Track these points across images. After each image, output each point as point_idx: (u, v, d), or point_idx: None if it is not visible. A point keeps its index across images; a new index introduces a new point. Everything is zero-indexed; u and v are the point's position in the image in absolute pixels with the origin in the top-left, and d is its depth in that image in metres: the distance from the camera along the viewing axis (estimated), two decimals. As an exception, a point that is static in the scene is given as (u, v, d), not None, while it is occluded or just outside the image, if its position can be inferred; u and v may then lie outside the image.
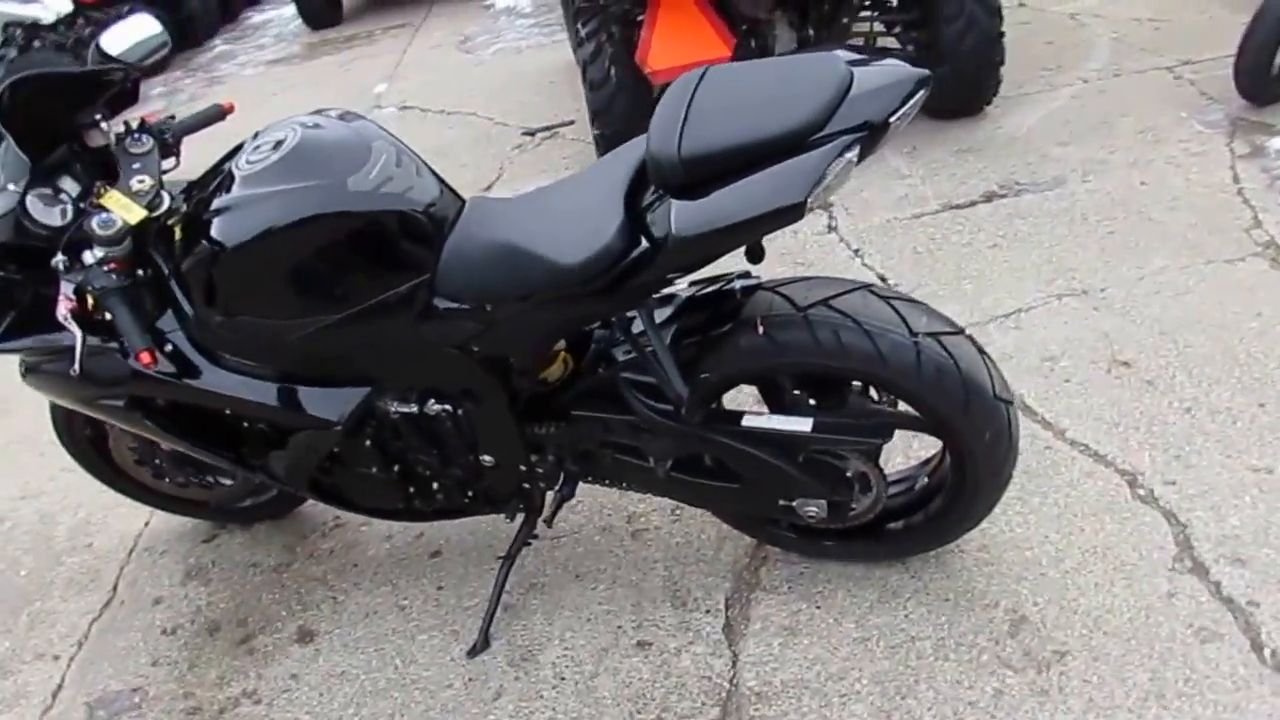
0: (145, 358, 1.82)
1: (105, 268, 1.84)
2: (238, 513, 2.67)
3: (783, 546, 2.19)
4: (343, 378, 1.98)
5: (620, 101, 3.98)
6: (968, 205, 3.52)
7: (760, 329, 1.81)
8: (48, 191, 1.94)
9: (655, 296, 1.88)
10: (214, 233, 1.79)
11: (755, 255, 1.91)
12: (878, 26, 4.19)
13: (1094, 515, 2.17)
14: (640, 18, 3.93)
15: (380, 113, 6.36)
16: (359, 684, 2.14)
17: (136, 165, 1.97)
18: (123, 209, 1.88)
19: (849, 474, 1.93)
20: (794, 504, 1.97)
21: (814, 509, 1.96)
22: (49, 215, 1.91)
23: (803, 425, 1.87)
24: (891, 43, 4.23)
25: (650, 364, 1.84)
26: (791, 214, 1.55)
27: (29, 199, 1.90)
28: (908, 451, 2.36)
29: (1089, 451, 2.34)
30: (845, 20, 3.99)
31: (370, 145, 1.85)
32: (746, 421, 1.90)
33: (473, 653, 2.14)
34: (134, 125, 2.05)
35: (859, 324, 1.77)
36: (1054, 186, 3.51)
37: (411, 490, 2.13)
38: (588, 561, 2.32)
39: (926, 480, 2.07)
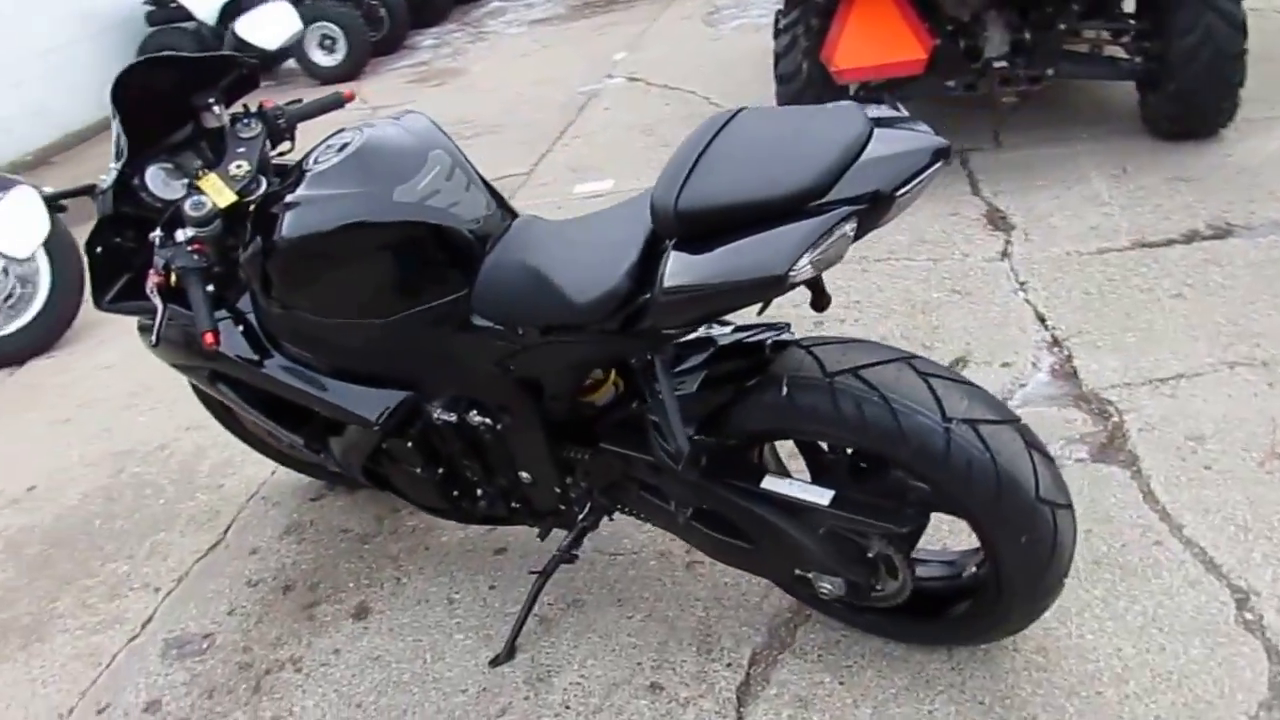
0: (209, 338, 1.91)
1: (190, 248, 1.94)
2: (345, 477, 2.79)
3: (819, 610, 2.06)
4: (387, 379, 2.01)
5: (808, 99, 3.81)
6: (1162, 244, 3.14)
7: (784, 389, 1.69)
8: (169, 167, 2.08)
9: (685, 339, 1.80)
10: (271, 226, 1.87)
11: (819, 303, 1.79)
12: (1104, 34, 3.79)
13: (1183, 634, 1.90)
14: (846, 11, 3.73)
15: (610, 83, 6.45)
16: (388, 672, 2.20)
17: (240, 150, 2.07)
18: (215, 192, 1.97)
19: (871, 555, 1.77)
20: (809, 575, 1.84)
21: (829, 585, 1.82)
22: (165, 190, 2.05)
23: (821, 498, 1.74)
24: (1119, 53, 3.82)
25: (657, 409, 1.76)
26: (772, 286, 1.44)
27: (150, 172, 2.05)
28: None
29: (1202, 556, 2.04)
30: (1063, 26, 3.62)
31: (426, 155, 1.86)
32: (766, 483, 1.78)
33: (495, 662, 2.15)
34: (250, 109, 2.15)
35: (886, 399, 1.61)
36: (1269, 232, 3.06)
37: (456, 494, 2.15)
38: (634, 587, 2.27)
39: (975, 570, 1.88)
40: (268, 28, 2.27)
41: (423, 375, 1.99)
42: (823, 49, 3.69)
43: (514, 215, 1.94)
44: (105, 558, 2.78)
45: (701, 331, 1.84)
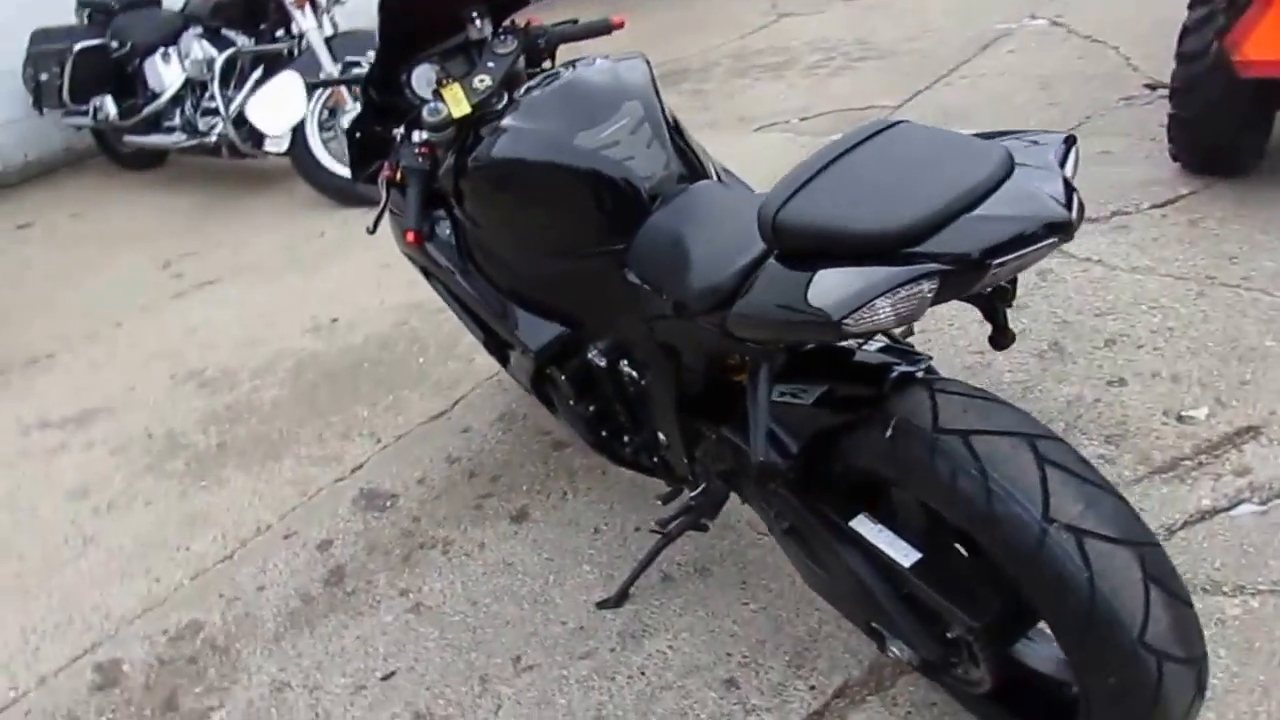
0: (409, 236, 2.02)
1: (417, 149, 2.04)
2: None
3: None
4: (552, 312, 2.03)
5: (1210, 84, 3.23)
6: None
7: (889, 431, 1.49)
8: (437, 69, 2.18)
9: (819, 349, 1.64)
10: (471, 144, 1.93)
11: (999, 340, 1.58)
12: None
13: None
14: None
15: (1029, 23, 5.92)
16: (512, 581, 2.27)
17: (491, 64, 2.10)
18: (453, 101, 2.03)
19: (949, 635, 1.55)
20: (884, 632, 1.65)
21: (899, 650, 1.62)
22: (425, 91, 2.15)
23: (905, 557, 1.54)
24: None
25: (750, 414, 1.62)
26: (826, 331, 1.27)
27: (418, 70, 2.15)
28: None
29: None
30: None
31: (621, 104, 1.83)
32: (856, 522, 1.60)
33: (602, 605, 2.15)
34: (512, 25, 2.19)
35: (984, 474, 1.37)
36: None
37: (605, 434, 2.14)
38: (763, 575, 2.16)
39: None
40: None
41: (582, 316, 1.99)
42: (1230, 31, 3.10)
43: (702, 177, 1.85)
44: (355, 399, 3.08)
45: (850, 343, 1.66)
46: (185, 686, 2.12)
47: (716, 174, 1.94)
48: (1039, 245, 1.22)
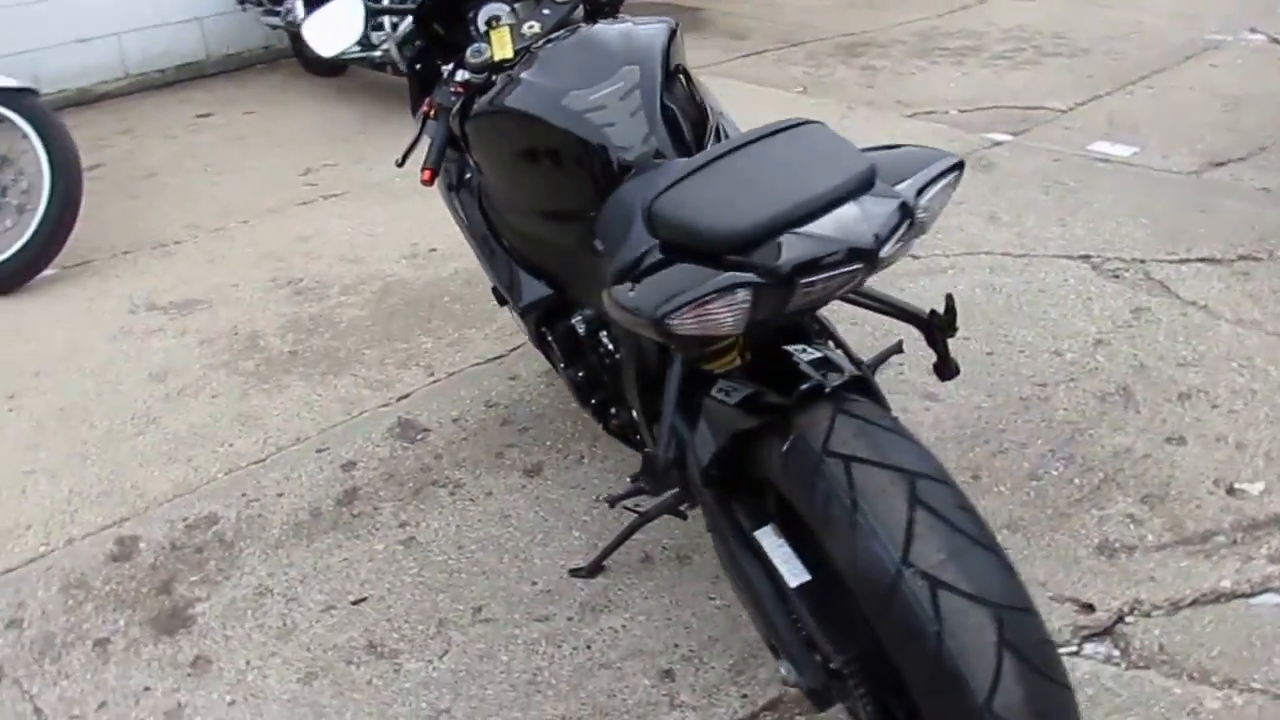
0: (425, 174, 2.07)
1: (453, 88, 2.08)
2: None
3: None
4: (540, 272, 2.05)
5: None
6: None
7: (785, 445, 1.45)
8: (505, 9, 2.23)
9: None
10: (483, 88, 1.96)
11: (941, 370, 1.55)
12: None
13: None
14: None
15: (1248, 36, 5.52)
16: (503, 533, 2.32)
17: (546, 12, 2.13)
18: (498, 45, 2.07)
19: (832, 665, 1.50)
20: (776, 649, 1.61)
21: (784, 672, 1.58)
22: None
23: (794, 577, 1.50)
24: None
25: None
26: (652, 328, 1.28)
27: (486, 8, 2.21)
28: None
29: None
30: None
31: (618, 68, 1.81)
32: (761, 533, 1.57)
33: (574, 573, 2.17)
34: None
35: (854, 505, 1.32)
36: None
37: (594, 401, 2.15)
38: (739, 573, 2.14)
39: None
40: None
41: (565, 280, 2.00)
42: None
43: (686, 154, 1.81)
44: (425, 330, 3.18)
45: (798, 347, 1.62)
46: (184, 574, 2.26)
47: None
48: (844, 270, 1.23)
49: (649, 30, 1.90)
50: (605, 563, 2.17)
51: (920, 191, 1.32)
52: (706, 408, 1.61)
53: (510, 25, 2.06)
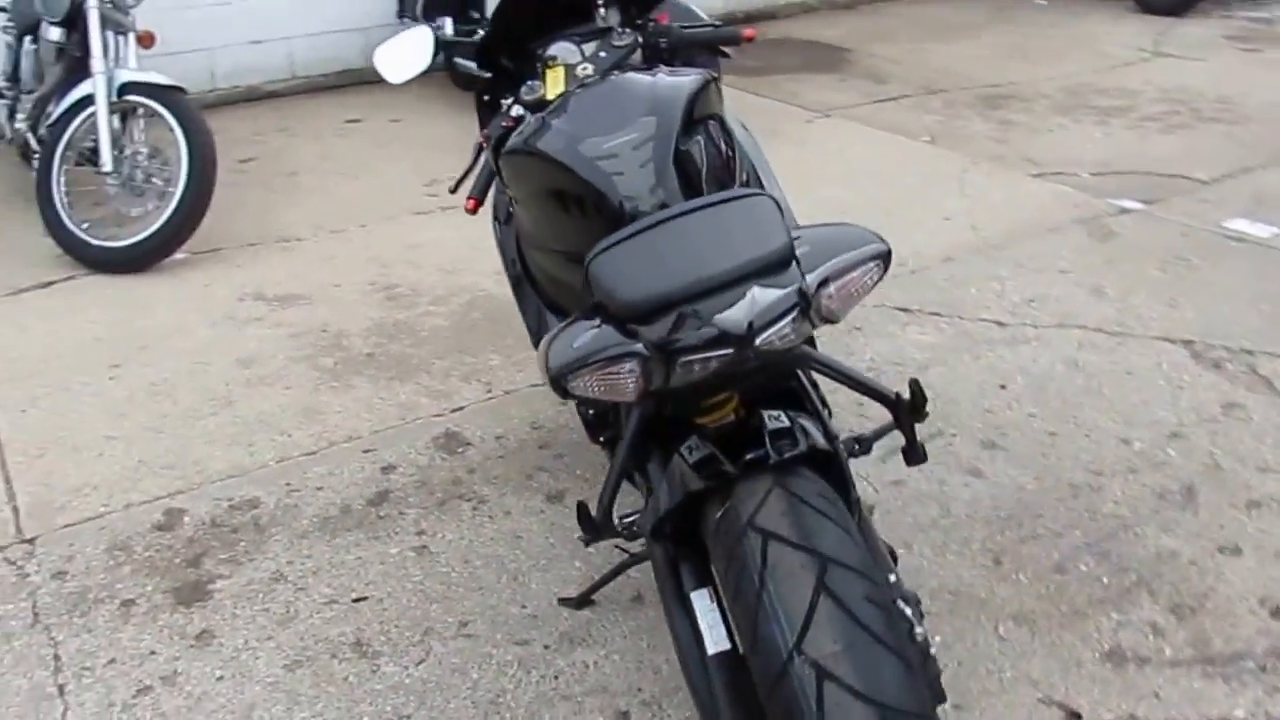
0: (469, 204, 2.16)
1: (504, 122, 2.17)
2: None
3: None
4: (559, 310, 2.10)
5: None
6: None
7: (719, 513, 1.46)
8: (569, 47, 2.31)
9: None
10: (519, 126, 2.03)
11: (909, 455, 1.55)
12: None
13: None
14: None
15: None
16: (509, 553, 2.37)
17: (602, 54, 2.19)
18: (552, 83, 2.15)
19: None
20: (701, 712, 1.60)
21: None
22: None
23: (713, 644, 1.49)
24: None
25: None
26: (554, 387, 1.30)
27: (556, 45, 2.29)
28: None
29: None
30: None
31: (638, 119, 1.83)
32: (695, 595, 1.57)
33: (563, 601, 2.21)
34: (634, 20, 2.25)
35: (760, 585, 1.32)
36: None
37: (602, 440, 2.18)
38: (723, 625, 2.13)
39: None
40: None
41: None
42: None
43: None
44: (496, 347, 3.28)
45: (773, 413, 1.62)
46: (215, 551, 2.41)
47: None
48: (717, 354, 1.20)
49: (677, 81, 1.91)
50: (596, 597, 2.20)
51: (830, 279, 1.30)
52: (673, 463, 1.63)
53: (566, 65, 2.12)
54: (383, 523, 2.50)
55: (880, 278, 1.35)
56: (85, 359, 3.27)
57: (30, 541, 2.46)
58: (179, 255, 3.95)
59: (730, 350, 1.26)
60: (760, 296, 1.26)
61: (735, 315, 1.25)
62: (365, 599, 2.26)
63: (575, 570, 2.31)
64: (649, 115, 1.83)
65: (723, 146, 1.96)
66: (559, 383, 1.32)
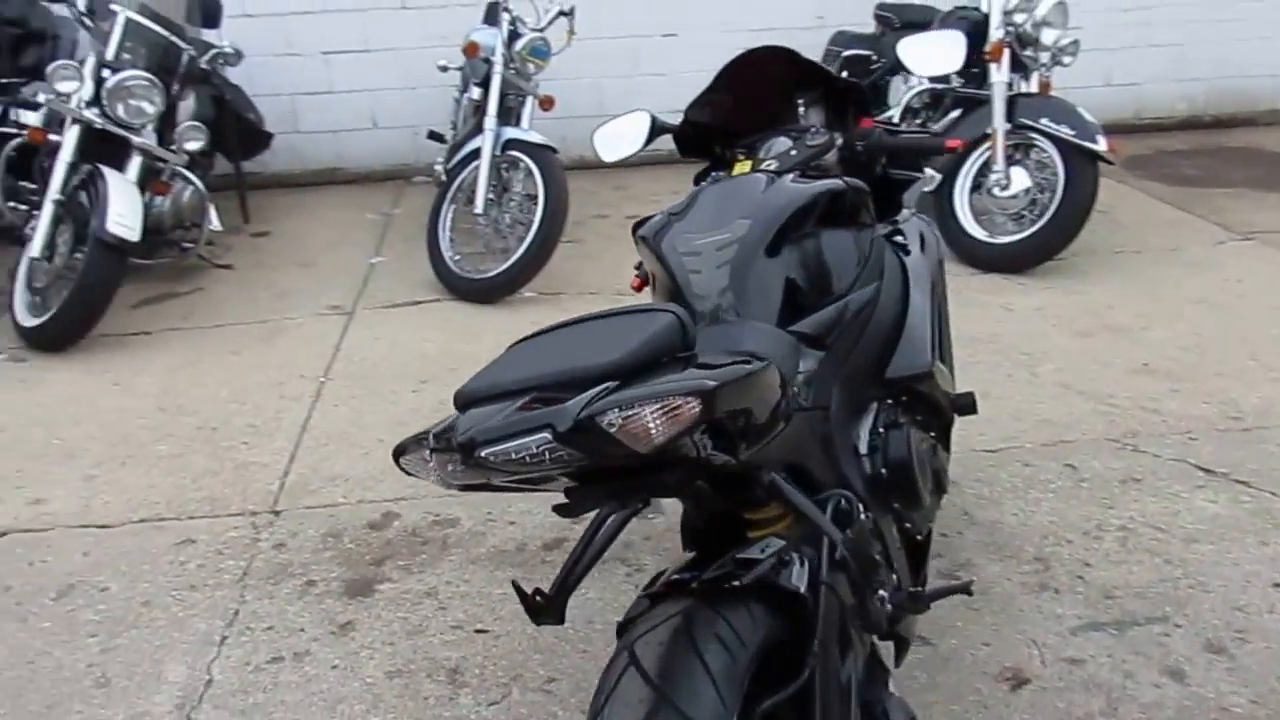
0: (634, 282, 2.24)
1: None
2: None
3: None
4: None
5: None
6: None
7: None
8: (788, 140, 2.33)
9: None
10: None
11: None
12: None
13: None
14: None
15: None
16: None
17: (792, 153, 2.16)
18: (736, 173, 2.19)
19: None
20: None
21: None
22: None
23: None
24: None
25: None
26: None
27: (773, 140, 2.33)
28: None
29: None
30: None
31: (734, 221, 1.80)
32: None
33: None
34: (833, 122, 2.21)
35: (599, 712, 1.26)
36: None
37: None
38: None
39: None
40: (930, 57, 1.98)
41: None
42: None
43: (770, 318, 1.76)
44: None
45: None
46: (399, 556, 2.67)
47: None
48: (458, 461, 1.17)
49: (793, 187, 1.84)
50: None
51: (611, 410, 1.15)
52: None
53: (752, 159, 2.12)
54: (544, 567, 2.61)
55: (696, 417, 1.16)
56: (405, 371, 3.75)
57: (276, 513, 2.89)
58: (527, 293, 4.37)
59: (458, 457, 1.19)
60: (511, 415, 1.17)
61: (463, 424, 1.20)
62: (486, 632, 2.38)
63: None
64: (746, 218, 1.79)
65: (830, 259, 1.86)
66: (403, 468, 1.37)
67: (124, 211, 3.82)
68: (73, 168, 4.02)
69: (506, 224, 4.45)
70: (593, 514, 1.64)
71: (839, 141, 2.13)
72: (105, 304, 3.91)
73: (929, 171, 2.26)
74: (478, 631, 2.38)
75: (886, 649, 1.81)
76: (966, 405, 2.19)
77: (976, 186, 4.57)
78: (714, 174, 2.12)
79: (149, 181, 4.29)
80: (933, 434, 2.05)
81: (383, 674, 2.26)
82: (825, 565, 1.47)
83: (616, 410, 1.11)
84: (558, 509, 1.38)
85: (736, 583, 1.40)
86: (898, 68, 5.33)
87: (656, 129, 2.37)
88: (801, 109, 2.18)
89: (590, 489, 1.31)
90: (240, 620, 2.45)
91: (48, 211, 3.97)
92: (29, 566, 2.69)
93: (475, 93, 4.78)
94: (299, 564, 2.66)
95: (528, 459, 1.12)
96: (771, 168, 2.05)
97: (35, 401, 3.60)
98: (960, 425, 3.07)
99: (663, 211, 2.01)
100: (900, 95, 5.30)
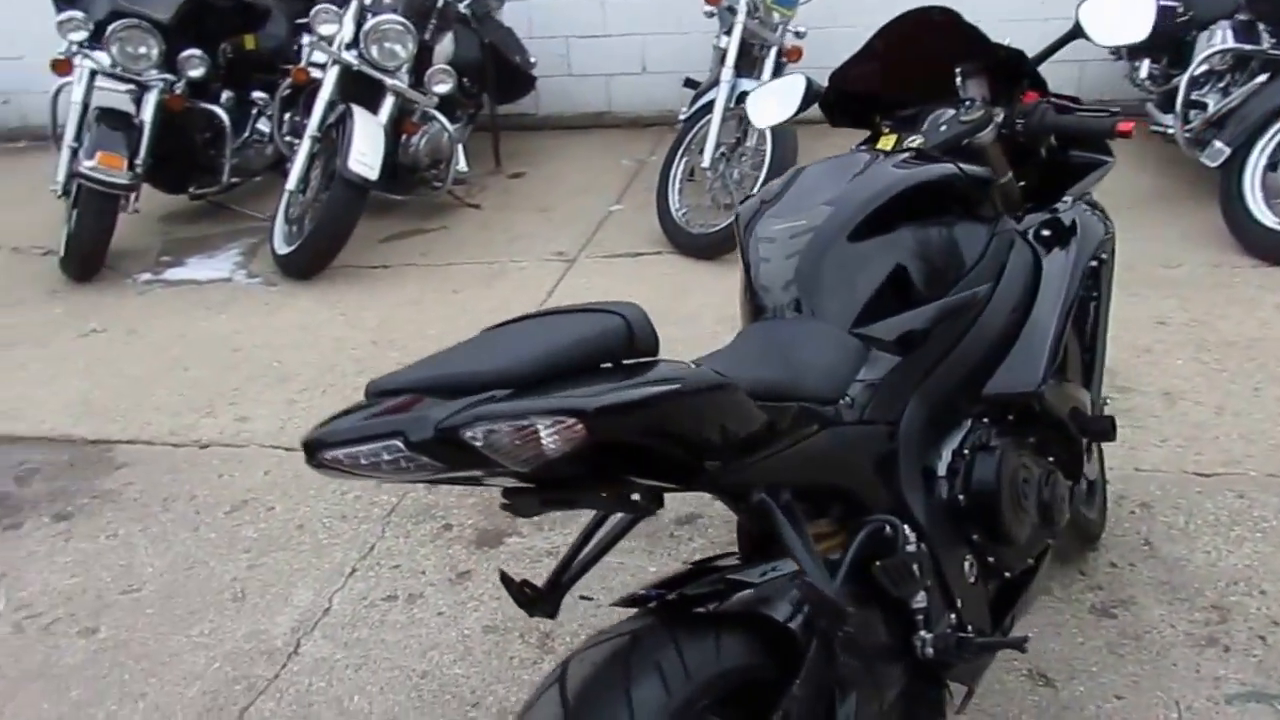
0: None
1: None
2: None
3: None
4: None
5: None
6: None
7: None
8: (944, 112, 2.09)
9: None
10: None
11: None
12: None
13: None
14: None
15: None
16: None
17: (942, 128, 1.92)
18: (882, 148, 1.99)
19: None
20: None
21: None
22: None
23: None
24: None
25: None
26: None
27: (935, 114, 2.11)
28: None
29: None
30: None
31: (816, 206, 1.64)
32: None
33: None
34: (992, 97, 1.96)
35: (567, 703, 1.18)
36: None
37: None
38: None
39: None
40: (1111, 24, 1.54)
41: None
42: None
43: (838, 314, 1.58)
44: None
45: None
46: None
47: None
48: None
49: (889, 172, 1.64)
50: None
51: (481, 422, 1.01)
52: None
53: (898, 134, 1.93)
54: (671, 541, 2.53)
55: (579, 436, 1.00)
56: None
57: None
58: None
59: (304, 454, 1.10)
60: (367, 414, 1.06)
61: (323, 422, 1.10)
62: (590, 599, 2.33)
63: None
64: (829, 204, 1.63)
65: (930, 255, 1.64)
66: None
67: (365, 150, 4.04)
68: (330, 106, 4.30)
69: (734, 179, 4.32)
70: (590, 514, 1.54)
71: (999, 118, 1.87)
72: (345, 236, 4.18)
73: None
74: (581, 598, 2.34)
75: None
76: (1103, 431, 1.87)
77: (1274, 164, 3.90)
78: (858, 146, 1.93)
79: (401, 121, 4.51)
80: (1050, 459, 1.77)
81: (480, 628, 2.28)
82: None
83: (482, 424, 1.00)
84: (504, 507, 1.29)
85: (702, 609, 1.27)
86: (1207, 22, 4.65)
87: (813, 94, 2.18)
88: (959, 80, 1.93)
89: (525, 495, 1.21)
90: (374, 555, 2.55)
91: (305, 147, 4.27)
92: (218, 479, 2.93)
93: (722, 41, 4.65)
94: (443, 506, 2.73)
95: (384, 465, 1.04)
96: (915, 144, 1.85)
97: (272, 325, 3.92)
98: (1177, 443, 2.68)
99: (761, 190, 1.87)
100: (1204, 50, 4.62)
